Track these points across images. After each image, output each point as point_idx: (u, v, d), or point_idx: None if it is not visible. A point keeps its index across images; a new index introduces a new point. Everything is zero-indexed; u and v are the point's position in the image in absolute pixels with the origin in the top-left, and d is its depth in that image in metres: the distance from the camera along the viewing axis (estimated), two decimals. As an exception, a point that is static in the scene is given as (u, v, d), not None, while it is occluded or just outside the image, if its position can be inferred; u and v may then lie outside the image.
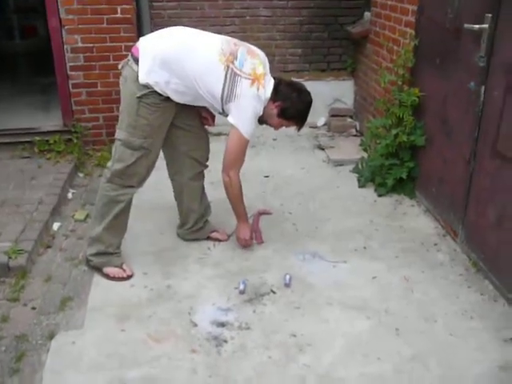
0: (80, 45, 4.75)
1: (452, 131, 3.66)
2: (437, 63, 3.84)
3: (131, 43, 4.75)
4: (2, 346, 2.71)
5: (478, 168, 3.32)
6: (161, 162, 5.06)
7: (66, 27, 4.70)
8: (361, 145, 5.22)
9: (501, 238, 3.11)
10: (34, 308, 3.01)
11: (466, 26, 3.29)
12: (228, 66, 2.98)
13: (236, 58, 3.01)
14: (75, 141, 4.92)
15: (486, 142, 3.23)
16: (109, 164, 3.22)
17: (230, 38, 3.17)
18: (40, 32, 9.31)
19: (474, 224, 3.41)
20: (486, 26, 3.12)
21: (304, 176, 4.75)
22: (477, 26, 3.18)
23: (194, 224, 3.61)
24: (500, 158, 3.08)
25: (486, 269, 3.25)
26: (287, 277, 3.21)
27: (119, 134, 3.09)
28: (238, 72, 3.00)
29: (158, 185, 4.52)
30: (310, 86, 5.82)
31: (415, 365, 2.59)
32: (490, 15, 3.10)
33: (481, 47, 3.20)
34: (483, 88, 3.22)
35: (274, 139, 5.65)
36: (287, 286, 3.17)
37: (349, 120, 5.93)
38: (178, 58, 2.95)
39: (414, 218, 3.99)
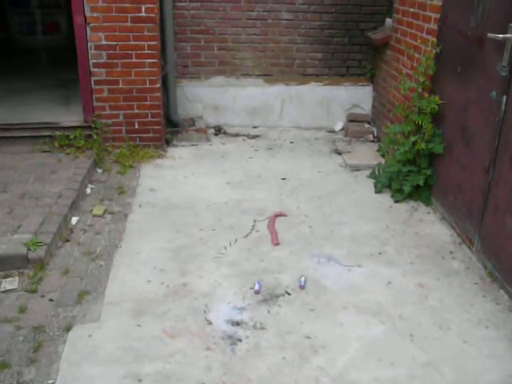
0: (104, 42, 4.81)
1: (471, 140, 3.66)
2: (458, 71, 3.84)
3: (154, 42, 4.87)
4: (19, 336, 2.76)
5: (497, 177, 3.32)
6: (176, 162, 5.15)
7: (90, 25, 4.75)
8: (378, 150, 5.23)
9: (518, 248, 3.11)
10: (51, 300, 3.05)
11: (489, 35, 3.30)
12: None
13: None
14: (95, 137, 4.97)
15: (506, 152, 3.22)
16: None
17: None
18: (62, 28, 9.42)
19: (491, 233, 3.41)
20: (510, 35, 3.13)
21: (321, 180, 4.76)
22: (501, 35, 3.19)
23: None
24: (520, 168, 3.08)
25: (501, 279, 3.25)
26: (302, 279, 3.23)
27: None
28: None
29: (175, 183, 4.60)
30: (329, 90, 5.95)
31: (428, 371, 2.59)
32: (514, 25, 3.10)
33: (503, 57, 3.21)
34: (505, 97, 3.22)
35: (292, 142, 5.68)
36: (302, 288, 3.19)
37: (366, 126, 5.95)
38: None
39: (430, 225, 3.99)
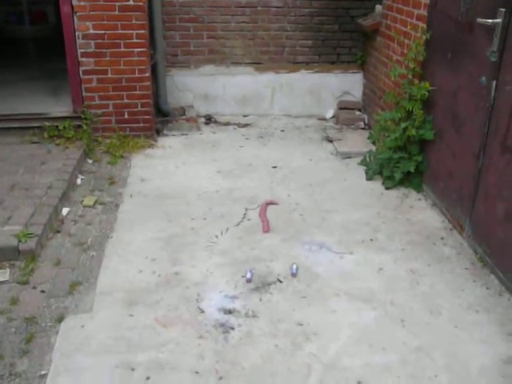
0: (91, 31, 4.76)
1: (462, 126, 3.67)
2: (448, 57, 3.84)
3: (142, 31, 4.84)
4: (11, 328, 2.75)
5: (488, 163, 3.33)
6: (167, 151, 5.13)
7: (77, 14, 4.70)
8: (369, 138, 5.24)
9: (508, 233, 3.12)
10: (43, 291, 3.04)
11: (479, 20, 3.29)
12: None
13: None
14: (85, 127, 4.94)
15: (496, 137, 3.23)
16: None
17: None
18: (49, 18, 9.32)
19: (482, 219, 3.42)
20: (499, 20, 3.12)
21: (312, 167, 4.76)
22: (490, 20, 3.18)
23: None
24: (510, 153, 3.09)
25: (491, 263, 3.27)
26: (294, 266, 3.24)
27: None
28: None
29: (166, 173, 4.59)
30: (319, 78, 5.94)
31: (420, 355, 2.61)
32: (503, 10, 3.10)
33: (493, 42, 3.20)
34: (494, 83, 3.22)
35: (282, 130, 5.68)
36: (294, 275, 3.20)
37: (357, 113, 5.94)
38: None
39: (421, 212, 4.00)
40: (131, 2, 4.73)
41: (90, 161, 4.77)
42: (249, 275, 3.15)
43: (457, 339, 2.73)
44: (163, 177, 4.51)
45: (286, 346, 2.66)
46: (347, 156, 4.98)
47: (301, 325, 2.80)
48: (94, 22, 4.75)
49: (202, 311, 2.89)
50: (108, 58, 4.87)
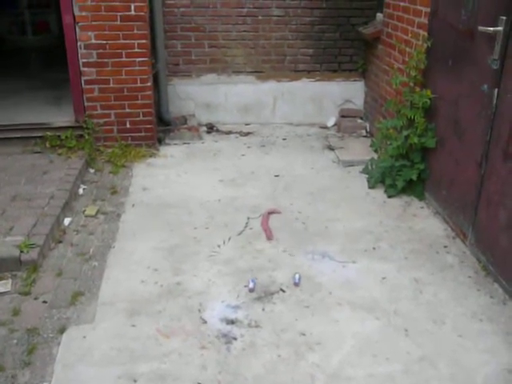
0: (93, 41, 4.78)
1: (464, 133, 3.66)
2: (449, 65, 3.84)
3: (144, 41, 4.86)
4: (13, 339, 2.74)
5: (490, 171, 3.32)
6: (169, 160, 5.13)
7: (79, 24, 4.72)
8: (371, 146, 5.23)
9: (511, 241, 3.10)
10: (45, 302, 3.03)
11: (480, 28, 3.29)
12: None
13: None
14: (87, 137, 4.95)
15: (498, 145, 3.22)
16: None
17: None
18: (52, 28, 9.38)
19: (484, 227, 3.41)
20: (500, 28, 3.12)
21: (314, 176, 4.76)
22: (491, 28, 3.18)
23: None
24: (512, 161, 3.09)
25: (495, 272, 3.25)
26: (297, 276, 3.23)
27: None
28: None
29: (168, 182, 4.59)
30: (321, 86, 5.95)
31: (424, 365, 2.59)
32: (504, 18, 3.10)
33: (494, 50, 3.20)
34: (496, 91, 3.22)
35: (284, 139, 5.68)
36: (296, 285, 3.18)
37: (359, 121, 5.95)
38: None
39: (424, 220, 3.99)
40: (132, 12, 4.76)
41: (92, 170, 4.78)
42: (251, 285, 3.14)
43: (461, 349, 2.71)
44: (165, 186, 4.51)
45: (289, 356, 2.64)
46: (349, 164, 4.97)
47: (304, 335, 2.78)
48: (96, 32, 4.77)
49: (205, 321, 2.87)
50: (110, 68, 4.89)
